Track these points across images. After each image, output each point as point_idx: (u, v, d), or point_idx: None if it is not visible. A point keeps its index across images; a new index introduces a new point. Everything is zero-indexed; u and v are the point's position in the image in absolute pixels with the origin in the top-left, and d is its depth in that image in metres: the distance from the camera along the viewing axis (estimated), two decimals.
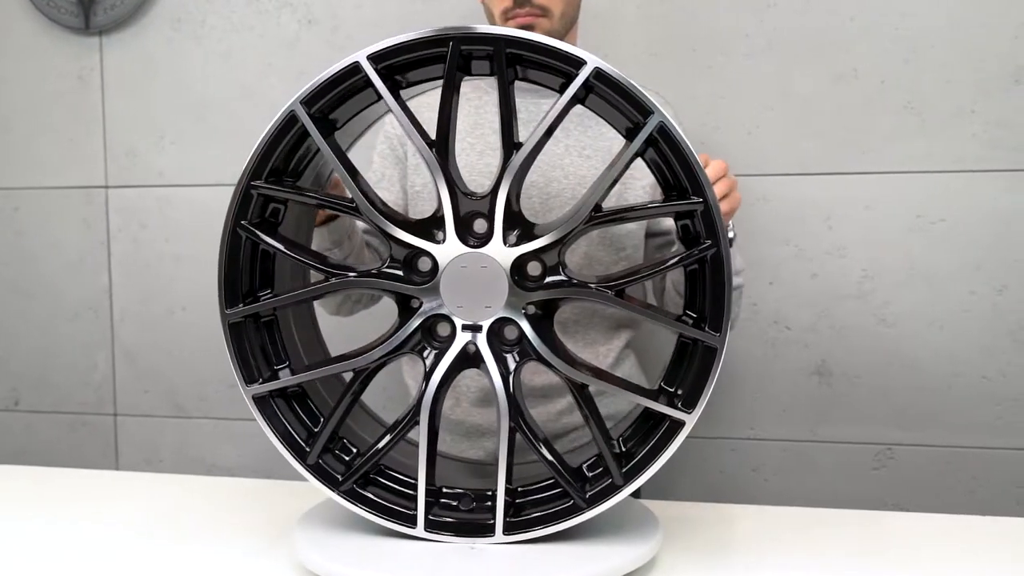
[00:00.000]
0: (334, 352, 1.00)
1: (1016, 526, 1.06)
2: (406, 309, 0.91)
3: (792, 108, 1.61)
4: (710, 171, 0.97)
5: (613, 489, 0.87)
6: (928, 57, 1.56)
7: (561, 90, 0.88)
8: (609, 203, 1.30)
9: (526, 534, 0.88)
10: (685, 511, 1.08)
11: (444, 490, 0.93)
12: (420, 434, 0.88)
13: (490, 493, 0.91)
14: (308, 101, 0.89)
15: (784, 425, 1.68)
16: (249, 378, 0.91)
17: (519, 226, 0.89)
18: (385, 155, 1.35)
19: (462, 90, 0.94)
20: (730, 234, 1.11)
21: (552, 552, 0.87)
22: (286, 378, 0.91)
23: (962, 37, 1.55)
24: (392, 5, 1.75)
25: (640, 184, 1.30)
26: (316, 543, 0.90)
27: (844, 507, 1.54)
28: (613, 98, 0.86)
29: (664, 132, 0.85)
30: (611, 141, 1.30)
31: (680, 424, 0.86)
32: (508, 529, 0.88)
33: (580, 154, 1.31)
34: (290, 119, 0.88)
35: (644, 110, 0.85)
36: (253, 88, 1.82)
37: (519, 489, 0.92)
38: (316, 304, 1.28)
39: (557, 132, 1.31)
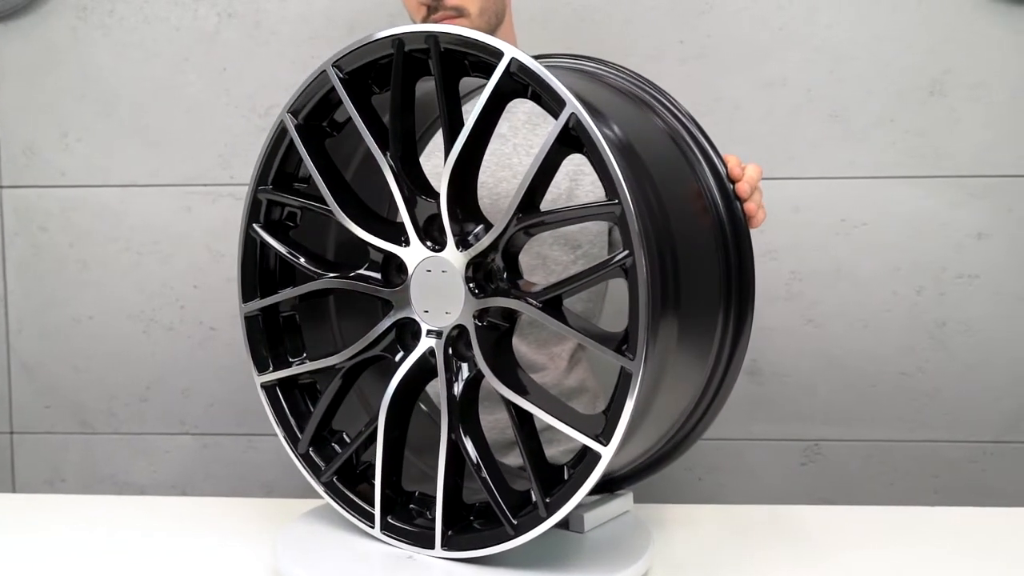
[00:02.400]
0: None
1: (930, 515, 1.11)
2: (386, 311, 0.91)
3: (724, 114, 1.65)
4: (750, 172, 0.95)
5: (540, 519, 0.81)
6: (851, 68, 1.63)
7: None
8: (559, 201, 1.30)
9: (463, 552, 0.85)
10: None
11: (417, 495, 0.92)
12: (377, 439, 0.87)
13: (475, 504, 0.89)
14: (295, 110, 0.90)
15: (717, 424, 1.70)
16: (261, 368, 0.96)
17: (480, 227, 0.86)
18: None
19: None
20: None
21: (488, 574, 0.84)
22: (287, 369, 0.95)
23: (882, 50, 1.62)
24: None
25: (589, 179, 1.29)
26: (292, 538, 0.92)
27: (774, 503, 1.59)
28: (540, 91, 0.79)
29: (580, 126, 0.76)
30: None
31: (597, 456, 0.77)
32: (447, 544, 0.86)
33: (528, 153, 1.29)
34: (283, 128, 0.90)
35: (558, 100, 0.77)
36: (169, 83, 1.72)
37: (476, 505, 0.89)
38: None
39: (505, 131, 1.31)
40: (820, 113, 1.64)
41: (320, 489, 0.93)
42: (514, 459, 1.30)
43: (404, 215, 0.86)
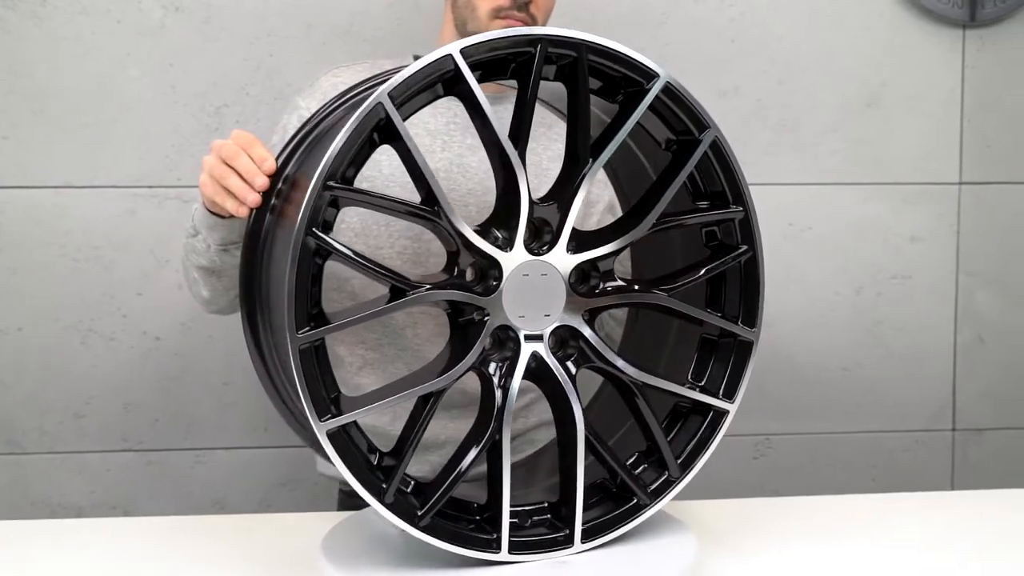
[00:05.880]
0: None
1: (868, 501, 1.20)
2: (465, 322, 0.87)
3: None
4: None
5: (670, 482, 0.93)
6: (799, 79, 1.71)
7: (622, 102, 0.91)
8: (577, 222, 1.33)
9: (601, 538, 0.89)
10: None
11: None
12: (504, 452, 0.85)
13: (545, 505, 0.91)
14: (395, 95, 0.82)
15: None
16: (321, 412, 0.80)
17: (574, 233, 0.90)
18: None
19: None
20: None
21: (625, 555, 0.90)
22: (356, 409, 0.82)
23: (827, 63, 1.71)
24: None
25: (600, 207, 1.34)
26: None
27: (728, 496, 1.66)
28: (667, 109, 0.90)
29: (715, 145, 0.91)
30: (539, 156, 1.30)
31: (724, 413, 0.95)
32: (584, 537, 0.88)
33: None
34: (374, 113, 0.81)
35: (700, 124, 0.91)
36: (109, 79, 1.61)
37: (547, 503, 0.92)
38: (205, 300, 1.23)
39: None
40: (770, 122, 1.72)
41: (420, 535, 0.84)
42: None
43: (523, 219, 0.85)
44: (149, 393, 1.68)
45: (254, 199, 0.95)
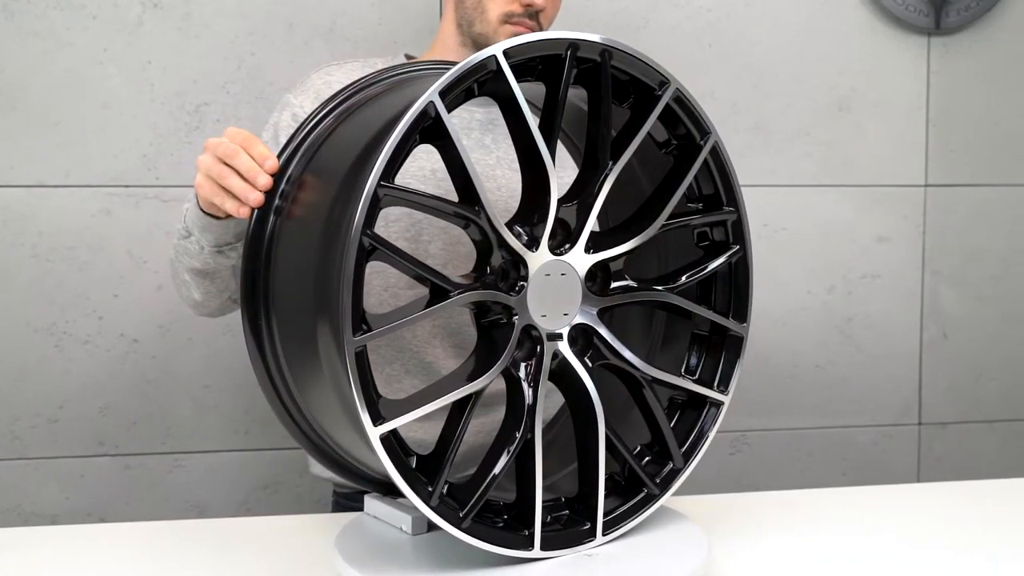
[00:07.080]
0: None
1: (840, 495, 1.24)
2: (489, 323, 0.87)
3: None
4: None
5: (675, 473, 0.95)
6: (772, 84, 1.76)
7: (633, 106, 0.93)
8: None
9: (620, 529, 0.91)
10: None
11: (502, 504, 0.90)
12: (537, 450, 0.85)
13: (562, 501, 0.92)
14: (445, 93, 0.80)
15: None
16: (376, 416, 0.79)
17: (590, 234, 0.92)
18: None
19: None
20: None
21: (642, 543, 0.92)
22: (398, 414, 0.80)
23: (799, 68, 1.76)
24: None
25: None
26: None
27: (706, 491, 1.69)
28: (673, 114, 0.93)
29: (713, 149, 0.95)
30: None
31: (719, 404, 0.97)
32: (604, 529, 0.90)
33: (510, 167, 1.31)
34: (421, 113, 0.79)
35: (701, 128, 0.94)
36: (84, 76, 1.58)
37: (563, 499, 0.93)
38: (196, 303, 1.20)
39: (489, 143, 1.33)
40: (745, 125, 1.76)
41: (463, 536, 0.82)
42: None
43: (551, 218, 0.86)
44: (126, 396, 1.65)
45: (257, 199, 0.94)
